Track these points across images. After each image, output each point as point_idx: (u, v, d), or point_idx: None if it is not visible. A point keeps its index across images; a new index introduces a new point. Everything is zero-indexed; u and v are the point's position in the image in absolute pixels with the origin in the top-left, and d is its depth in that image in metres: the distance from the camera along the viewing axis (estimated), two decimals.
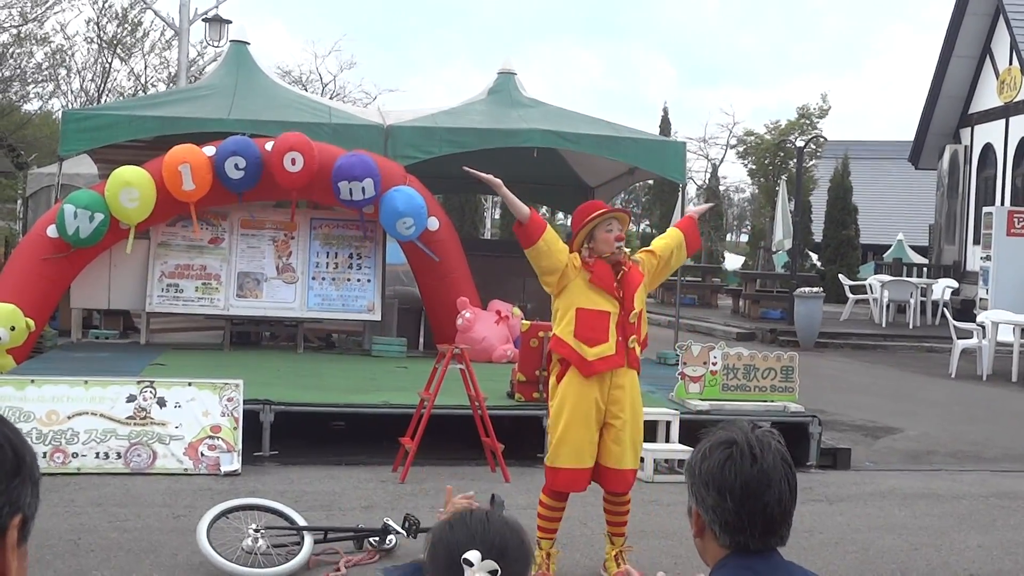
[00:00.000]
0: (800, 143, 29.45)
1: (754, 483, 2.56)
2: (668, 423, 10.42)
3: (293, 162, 12.80)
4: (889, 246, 34.64)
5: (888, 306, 24.94)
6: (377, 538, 7.30)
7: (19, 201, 31.73)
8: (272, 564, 6.79)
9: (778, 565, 2.63)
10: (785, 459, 2.65)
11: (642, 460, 9.88)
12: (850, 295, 26.31)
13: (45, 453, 9.10)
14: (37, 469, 1.42)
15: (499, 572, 2.41)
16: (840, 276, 28.63)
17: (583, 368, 6.84)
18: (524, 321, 11.15)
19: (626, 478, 7.03)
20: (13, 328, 11.50)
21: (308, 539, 7.02)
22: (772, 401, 10.95)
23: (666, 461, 10.17)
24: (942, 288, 25.05)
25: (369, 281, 14.13)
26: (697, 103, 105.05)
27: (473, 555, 2.42)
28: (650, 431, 10.31)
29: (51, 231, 12.64)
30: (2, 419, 1.39)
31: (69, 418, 9.27)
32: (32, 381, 9.55)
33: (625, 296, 6.90)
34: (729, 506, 2.55)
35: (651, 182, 37.80)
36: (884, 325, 24.47)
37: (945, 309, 22.38)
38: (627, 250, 7.04)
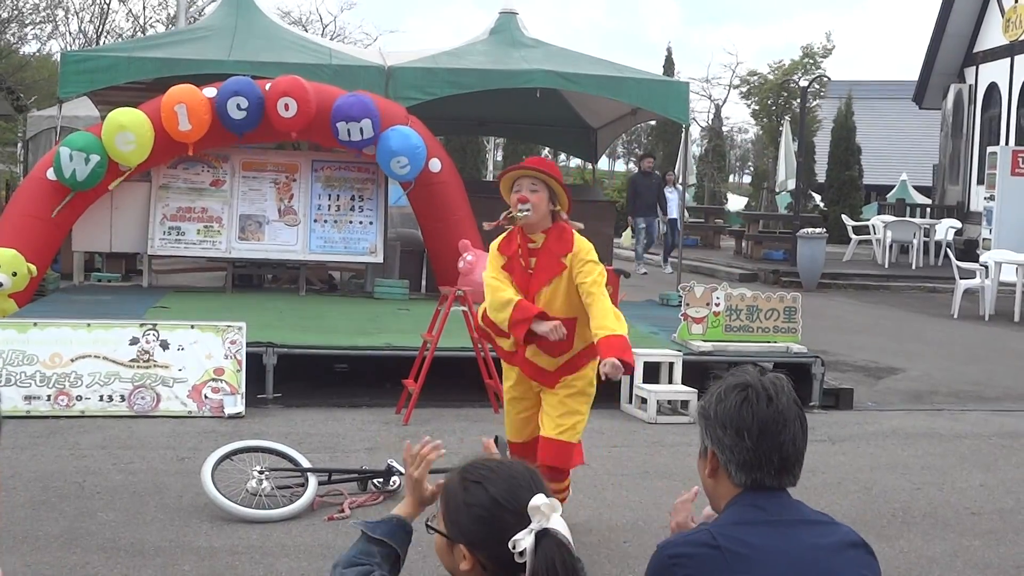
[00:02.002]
0: (804, 83, 29.26)
1: (771, 423, 2.66)
2: (671, 364, 10.42)
3: (287, 107, 12.71)
4: (892, 186, 34.44)
5: (891, 247, 24.88)
6: (381, 480, 7.32)
7: (19, 144, 31.65)
8: (276, 505, 6.81)
9: (787, 504, 2.69)
10: (797, 402, 2.77)
11: (644, 401, 9.94)
12: (853, 236, 26.23)
13: (49, 396, 9.12)
14: None
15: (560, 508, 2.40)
16: (843, 217, 28.54)
17: (501, 355, 6.25)
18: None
19: (548, 448, 5.94)
20: (15, 274, 11.49)
21: (312, 481, 7.04)
22: (775, 342, 10.95)
23: (669, 402, 10.19)
24: (945, 228, 24.96)
25: (371, 223, 14.09)
26: (700, 43, 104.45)
27: (539, 498, 2.39)
28: (653, 372, 10.33)
29: (50, 174, 12.58)
30: None
31: (72, 361, 9.28)
32: (35, 324, 9.55)
33: (533, 277, 5.82)
34: (747, 444, 2.64)
35: (653, 123, 37.60)
36: (887, 266, 24.43)
37: (948, 249, 22.30)
38: (564, 217, 5.93)
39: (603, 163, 45.06)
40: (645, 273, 21.96)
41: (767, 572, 2.56)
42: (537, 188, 5.76)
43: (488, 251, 6.08)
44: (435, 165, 13.48)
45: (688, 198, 26.64)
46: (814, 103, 36.03)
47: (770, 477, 2.67)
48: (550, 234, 5.83)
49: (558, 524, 2.38)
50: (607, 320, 5.58)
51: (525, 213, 5.69)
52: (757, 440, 2.65)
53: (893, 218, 26.10)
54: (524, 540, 2.35)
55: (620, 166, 76.49)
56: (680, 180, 22.88)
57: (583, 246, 5.82)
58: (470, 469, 2.56)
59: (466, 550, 2.44)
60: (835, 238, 27.35)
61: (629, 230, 23.24)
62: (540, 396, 6.06)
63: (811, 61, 37.06)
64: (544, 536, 2.36)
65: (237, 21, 15.36)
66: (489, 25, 16.53)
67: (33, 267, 11.81)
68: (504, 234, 5.95)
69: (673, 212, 23.23)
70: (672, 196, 23.47)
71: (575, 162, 47.68)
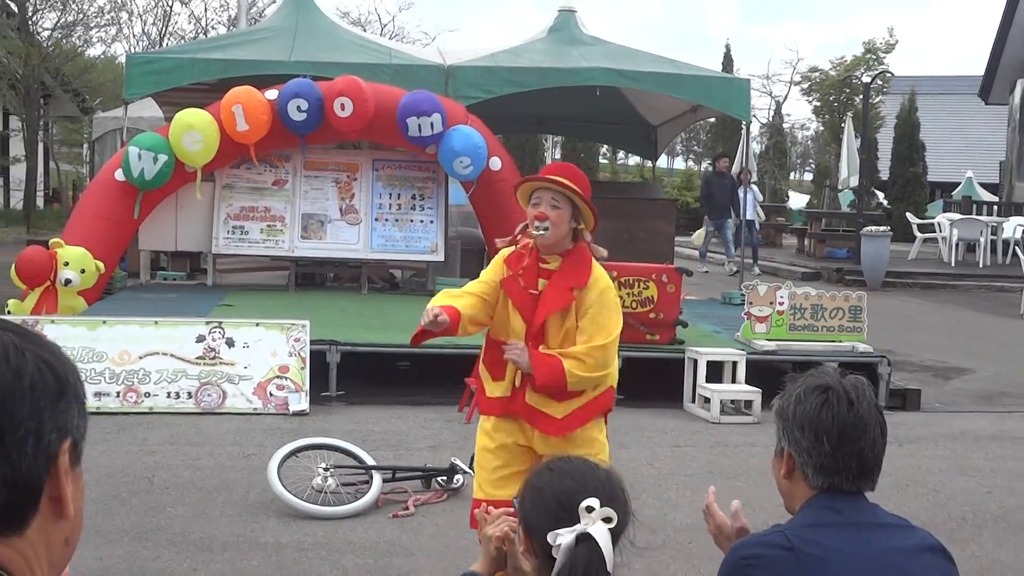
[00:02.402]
0: (866, 79, 28.95)
1: (851, 428, 2.62)
2: (734, 363, 10.35)
3: (342, 107, 12.76)
4: (958, 183, 33.98)
5: (957, 245, 24.54)
6: (444, 477, 7.34)
7: (85, 146, 32.08)
8: (342, 502, 6.85)
9: (864, 507, 2.65)
10: (878, 407, 2.72)
11: (708, 400, 9.89)
12: (918, 234, 25.91)
13: (118, 393, 9.24)
14: (82, 388, 1.39)
15: (614, 521, 2.39)
16: (908, 214, 28.19)
17: (480, 403, 5.12)
18: None
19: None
20: (83, 271, 11.63)
21: (377, 478, 7.08)
22: (840, 341, 10.85)
23: (732, 402, 10.13)
24: (1013, 226, 24.56)
25: (432, 222, 14.12)
26: (760, 39, 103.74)
27: (594, 502, 2.38)
28: (716, 372, 10.27)
29: (118, 175, 12.73)
30: (39, 340, 1.36)
31: (140, 358, 9.40)
32: (104, 322, 9.68)
33: (541, 302, 4.83)
34: (826, 449, 2.60)
35: (713, 120, 37.41)
36: (953, 264, 24.11)
37: (1016, 248, 21.97)
38: (588, 238, 5.00)
39: (662, 161, 44.87)
40: (707, 271, 21.75)
41: (841, 575, 2.53)
42: (559, 204, 4.82)
43: None
44: (495, 164, 13.48)
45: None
46: (877, 99, 35.61)
47: (848, 482, 2.63)
48: (568, 258, 4.88)
49: (601, 534, 2.36)
50: (577, 349, 4.73)
51: (541, 232, 4.76)
52: (836, 445, 2.60)
53: (959, 216, 25.75)
54: (562, 536, 2.37)
55: (679, 164, 76.22)
56: (753, 179, 22.57)
57: (599, 281, 4.88)
58: (556, 459, 2.59)
59: (523, 532, 2.48)
60: (899, 236, 27.02)
61: (702, 229, 22.79)
62: (530, 451, 4.90)
63: (873, 57, 36.63)
64: (584, 540, 2.36)
65: (298, 21, 15.45)
66: (548, 23, 16.50)
67: (101, 264, 11.96)
68: (517, 246, 5.00)
69: (749, 213, 21.80)
70: (748, 197, 22.03)
71: (634, 160, 47.57)
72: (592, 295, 4.80)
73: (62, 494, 1.34)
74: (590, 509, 2.37)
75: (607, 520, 2.38)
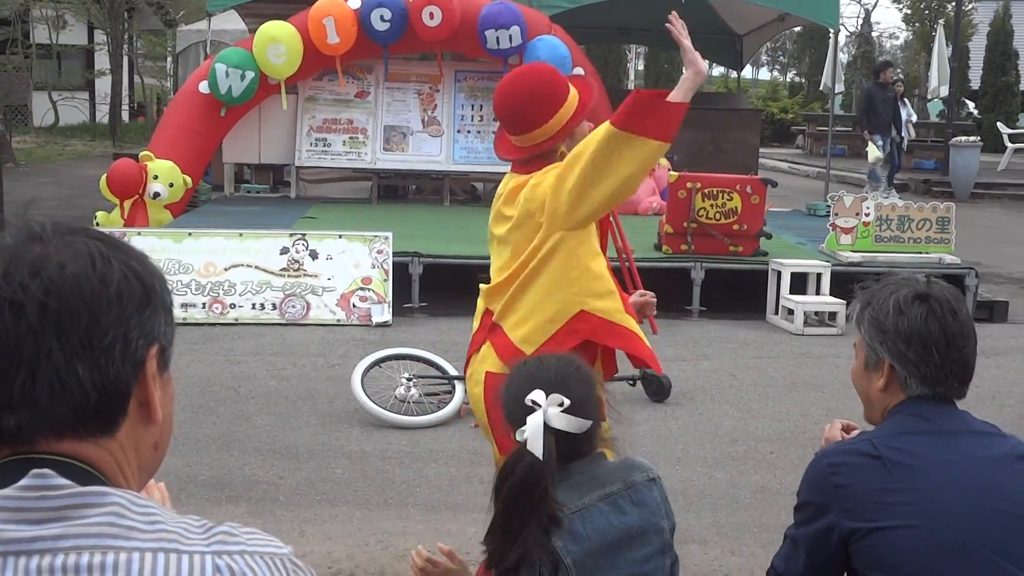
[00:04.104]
0: None
1: (958, 335, 2.59)
2: (819, 275, 10.24)
3: (431, 16, 12.70)
4: None
5: None
6: None
7: (169, 59, 32.26)
8: (424, 412, 6.93)
9: (953, 414, 2.62)
10: (970, 312, 2.67)
11: (791, 312, 9.81)
12: (1009, 144, 25.30)
13: (204, 304, 9.39)
14: (169, 296, 1.42)
15: (566, 403, 2.46)
16: (998, 124, 27.52)
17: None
18: (672, 172, 10.99)
19: None
20: (172, 185, 11.78)
21: (459, 388, 7.13)
22: (927, 253, 10.68)
23: (816, 314, 10.04)
24: None
25: None
26: None
27: (536, 394, 2.47)
28: (800, 283, 10.17)
29: (203, 87, 12.82)
30: (125, 248, 1.38)
31: (226, 270, 9.53)
32: (190, 234, 9.81)
33: None
34: (935, 360, 2.57)
35: (799, 29, 36.67)
36: None
37: None
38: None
39: (747, 71, 44.12)
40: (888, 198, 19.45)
41: (930, 482, 2.50)
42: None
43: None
44: (578, 74, 13.35)
45: (837, 106, 25.58)
46: (969, 6, 34.65)
47: (953, 389, 2.61)
48: None
49: (535, 424, 2.44)
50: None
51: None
52: (944, 354, 2.57)
53: None
54: (525, 431, 2.45)
55: (764, 74, 74.95)
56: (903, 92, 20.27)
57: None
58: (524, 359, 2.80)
59: (509, 428, 2.57)
60: (989, 147, 26.40)
61: (872, 147, 19.01)
62: None
63: None
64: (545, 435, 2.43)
65: None
66: None
67: (188, 178, 12.10)
68: None
69: (902, 130, 19.89)
70: (902, 111, 19.93)
71: (719, 70, 46.83)
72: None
73: (150, 399, 1.36)
74: (535, 403, 2.46)
75: (559, 404, 2.45)
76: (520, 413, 2.49)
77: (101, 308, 1.32)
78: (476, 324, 3.91)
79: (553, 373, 2.55)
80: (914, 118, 20.73)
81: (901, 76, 21.36)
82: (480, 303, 3.91)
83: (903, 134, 19.71)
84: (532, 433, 2.43)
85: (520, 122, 3.73)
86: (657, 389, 7.45)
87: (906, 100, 20.49)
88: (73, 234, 1.35)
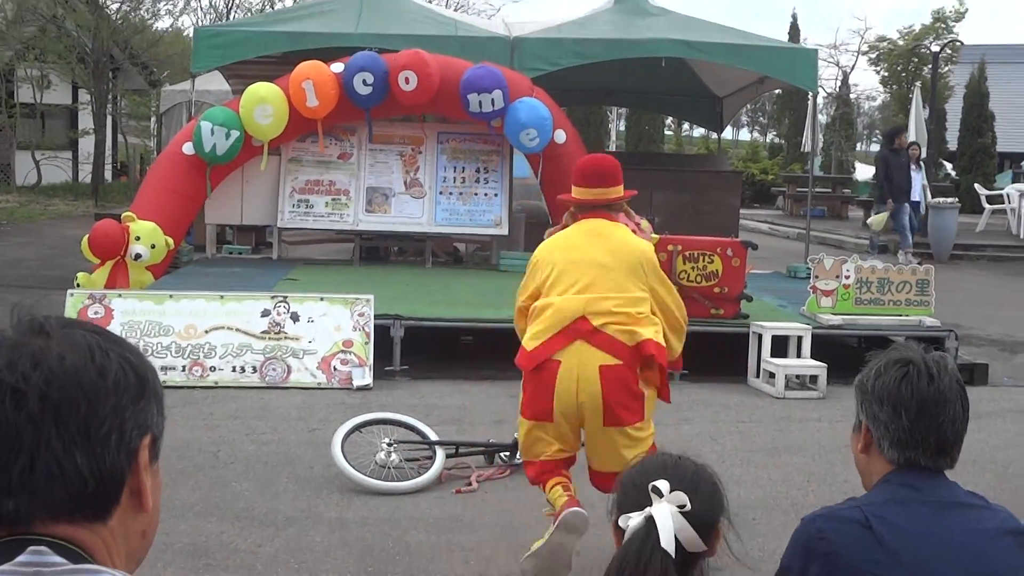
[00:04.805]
0: (935, 48, 28.47)
1: (931, 402, 2.58)
2: (800, 338, 10.26)
3: (407, 81, 12.77)
4: None
5: None
6: (508, 453, 7.35)
7: (153, 119, 32.37)
8: (405, 478, 6.89)
9: (942, 484, 2.61)
10: (959, 382, 2.67)
11: (772, 375, 9.82)
12: (986, 205, 25.50)
13: (184, 366, 9.35)
14: (160, 385, 1.49)
15: (688, 506, 2.32)
16: (976, 186, 27.75)
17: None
18: (653, 234, 11.02)
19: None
20: (154, 246, 11.76)
21: (440, 453, 7.11)
22: (907, 315, 10.72)
23: (797, 377, 10.05)
24: None
25: (496, 195, 14.11)
26: (827, 8, 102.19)
27: (662, 484, 2.34)
28: (781, 346, 10.19)
29: (187, 148, 12.84)
30: (120, 341, 1.45)
31: (206, 332, 9.49)
32: (171, 296, 9.79)
33: None
34: (903, 423, 2.58)
35: (778, 91, 37.01)
36: (1022, 236, 23.72)
37: None
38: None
39: (727, 132, 44.49)
40: (912, 259, 17.47)
41: (918, 554, 2.49)
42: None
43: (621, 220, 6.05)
44: (560, 136, 13.43)
45: (816, 167, 25.74)
46: (945, 69, 35.06)
47: (925, 457, 2.59)
48: None
49: (662, 514, 2.29)
50: None
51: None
52: (914, 419, 2.56)
53: None
54: (633, 518, 2.33)
55: (745, 135, 75.51)
56: (920, 156, 20.53)
57: None
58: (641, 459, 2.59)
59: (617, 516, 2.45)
60: (967, 208, 26.62)
61: (885, 214, 18.81)
62: None
63: (943, 26, 36.07)
64: (649, 521, 2.31)
65: None
66: None
67: (171, 240, 12.08)
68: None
69: (916, 194, 20.02)
70: (916, 176, 20.15)
71: (699, 132, 47.17)
72: None
73: (142, 487, 1.43)
74: (657, 490, 2.33)
75: (680, 505, 2.32)
76: (635, 497, 2.36)
77: (99, 398, 1.38)
78: (553, 332, 5.37)
79: (690, 474, 2.41)
80: (924, 180, 20.76)
81: (916, 140, 21.23)
82: (557, 315, 5.39)
83: (918, 197, 19.59)
84: (663, 524, 2.27)
85: (616, 177, 5.68)
86: None
87: (922, 164, 20.54)
88: (72, 327, 1.42)
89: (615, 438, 5.26)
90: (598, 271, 5.39)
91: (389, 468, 6.94)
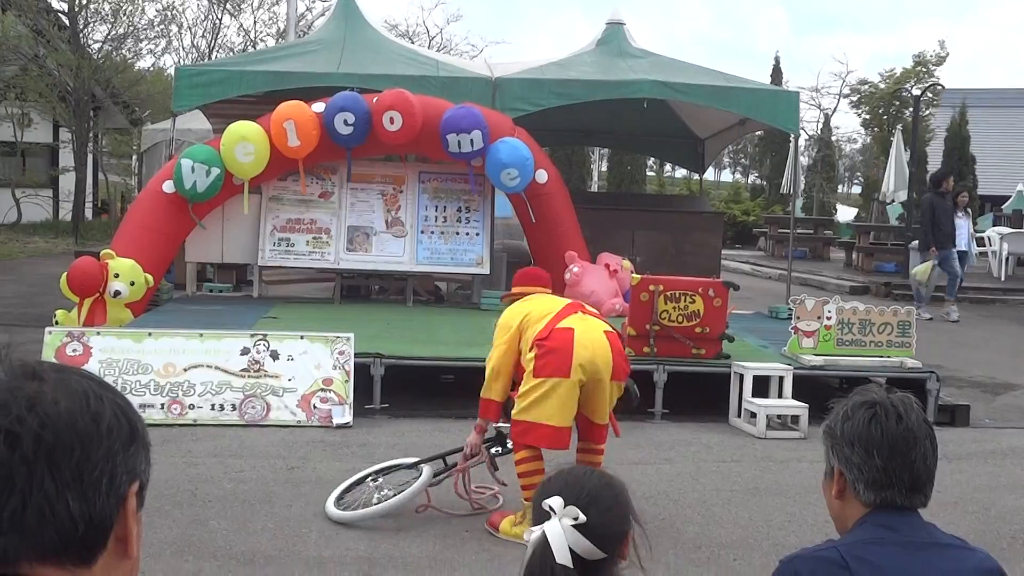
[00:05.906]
0: (916, 92, 28.69)
1: (900, 441, 2.60)
2: (781, 378, 10.25)
3: (392, 121, 12.80)
4: (1008, 197, 33.60)
5: (1007, 259, 24.28)
6: (498, 447, 7.20)
7: (134, 157, 32.36)
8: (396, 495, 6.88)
9: (918, 525, 2.61)
10: (927, 420, 2.70)
11: (754, 415, 9.80)
12: None
13: (163, 404, 9.27)
14: (147, 434, 1.49)
15: (584, 521, 2.41)
16: None
17: None
18: (634, 275, 11.03)
19: None
20: (133, 283, 11.70)
21: (427, 470, 7.05)
22: (888, 356, 10.72)
23: (779, 417, 10.03)
24: None
25: (478, 235, 14.11)
26: (809, 52, 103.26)
27: (554, 501, 2.44)
28: (763, 386, 10.18)
29: (167, 186, 12.82)
30: (111, 387, 1.46)
31: (185, 370, 9.43)
32: (150, 334, 9.73)
33: None
34: (876, 463, 2.60)
35: (760, 133, 37.24)
36: (1003, 279, 23.84)
37: None
38: None
39: (709, 174, 44.71)
40: (931, 319, 17.87)
41: None
42: None
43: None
44: (542, 176, 13.46)
45: (797, 209, 25.87)
46: (927, 112, 35.33)
47: (901, 496, 2.60)
48: None
49: (554, 530, 2.40)
50: None
51: None
52: (887, 458, 2.58)
53: (1009, 230, 25.48)
54: (534, 532, 2.44)
55: (727, 176, 75.95)
56: (967, 204, 19.81)
57: None
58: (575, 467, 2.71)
59: None
60: None
61: (930, 263, 18.05)
62: None
63: (924, 69, 36.35)
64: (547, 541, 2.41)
65: (346, 34, 15.52)
66: (596, 36, 16.48)
67: (150, 277, 12.03)
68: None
69: (963, 243, 19.16)
70: (963, 223, 19.27)
71: (681, 172, 47.39)
72: None
73: (128, 534, 1.44)
74: (551, 509, 2.43)
75: (575, 519, 2.40)
76: (539, 512, 2.47)
77: (92, 443, 1.39)
78: (557, 305, 6.79)
79: (587, 489, 2.49)
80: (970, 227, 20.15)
81: (966, 185, 20.48)
82: (552, 303, 6.89)
83: (964, 246, 18.87)
84: (555, 541, 2.38)
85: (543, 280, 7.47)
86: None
87: (968, 212, 19.92)
88: (66, 372, 1.43)
89: (614, 392, 6.60)
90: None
91: (383, 502, 6.89)
